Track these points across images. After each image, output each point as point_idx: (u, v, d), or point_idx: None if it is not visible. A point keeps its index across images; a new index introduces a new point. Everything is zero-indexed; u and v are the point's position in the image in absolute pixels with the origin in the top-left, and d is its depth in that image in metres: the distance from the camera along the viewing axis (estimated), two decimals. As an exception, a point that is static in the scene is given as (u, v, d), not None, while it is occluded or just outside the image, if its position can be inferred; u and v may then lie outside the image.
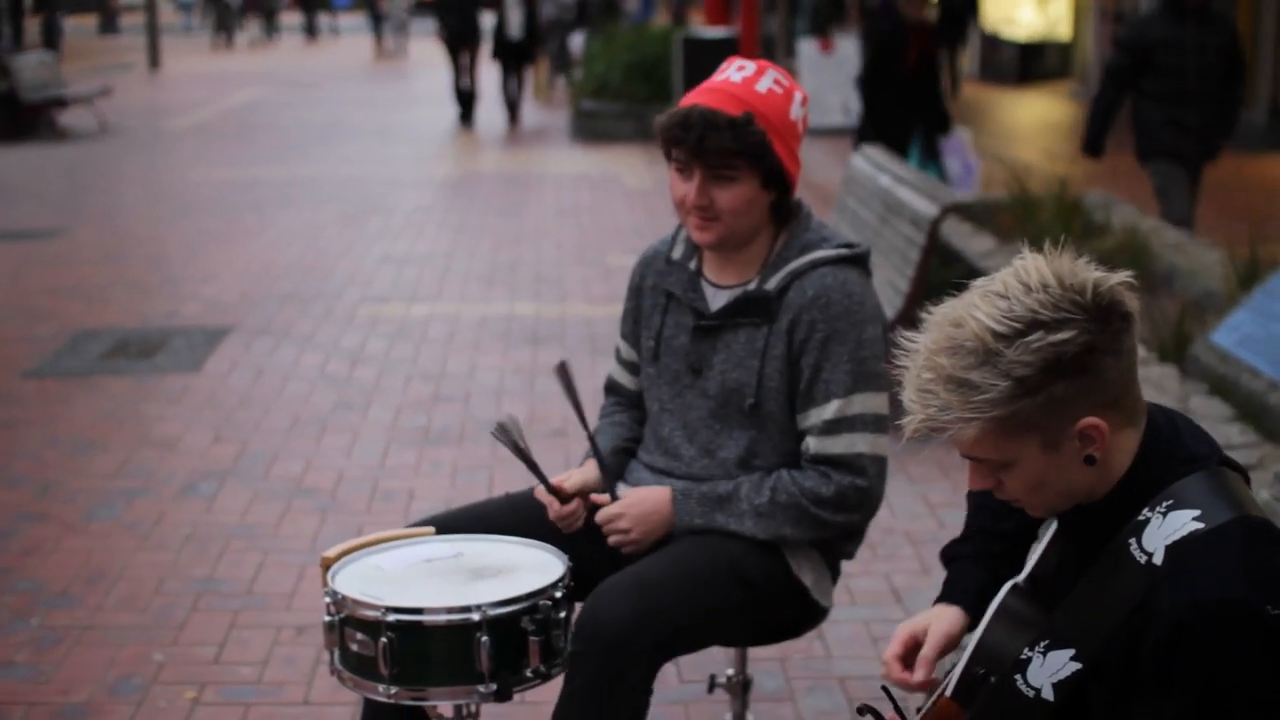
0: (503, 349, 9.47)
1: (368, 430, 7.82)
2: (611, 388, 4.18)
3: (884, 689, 2.53)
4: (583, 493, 3.83)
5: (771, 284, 3.73)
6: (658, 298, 3.93)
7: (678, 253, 3.93)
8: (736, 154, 3.59)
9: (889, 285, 8.17)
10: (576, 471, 3.91)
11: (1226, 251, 8.99)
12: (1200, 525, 2.34)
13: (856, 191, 9.64)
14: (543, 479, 3.80)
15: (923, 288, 7.68)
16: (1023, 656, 2.47)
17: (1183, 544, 2.34)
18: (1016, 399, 2.31)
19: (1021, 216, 10.45)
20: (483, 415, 8.00)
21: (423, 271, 11.90)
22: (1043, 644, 2.45)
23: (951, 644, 2.86)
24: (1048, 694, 2.44)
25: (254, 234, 13.55)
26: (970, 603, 2.92)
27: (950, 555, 3.07)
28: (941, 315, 2.41)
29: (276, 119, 23.89)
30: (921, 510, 6.57)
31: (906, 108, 12.68)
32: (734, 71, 3.70)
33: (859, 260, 3.79)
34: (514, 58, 22.39)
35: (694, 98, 3.65)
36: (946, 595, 2.97)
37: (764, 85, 3.66)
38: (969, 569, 2.98)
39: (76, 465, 7.29)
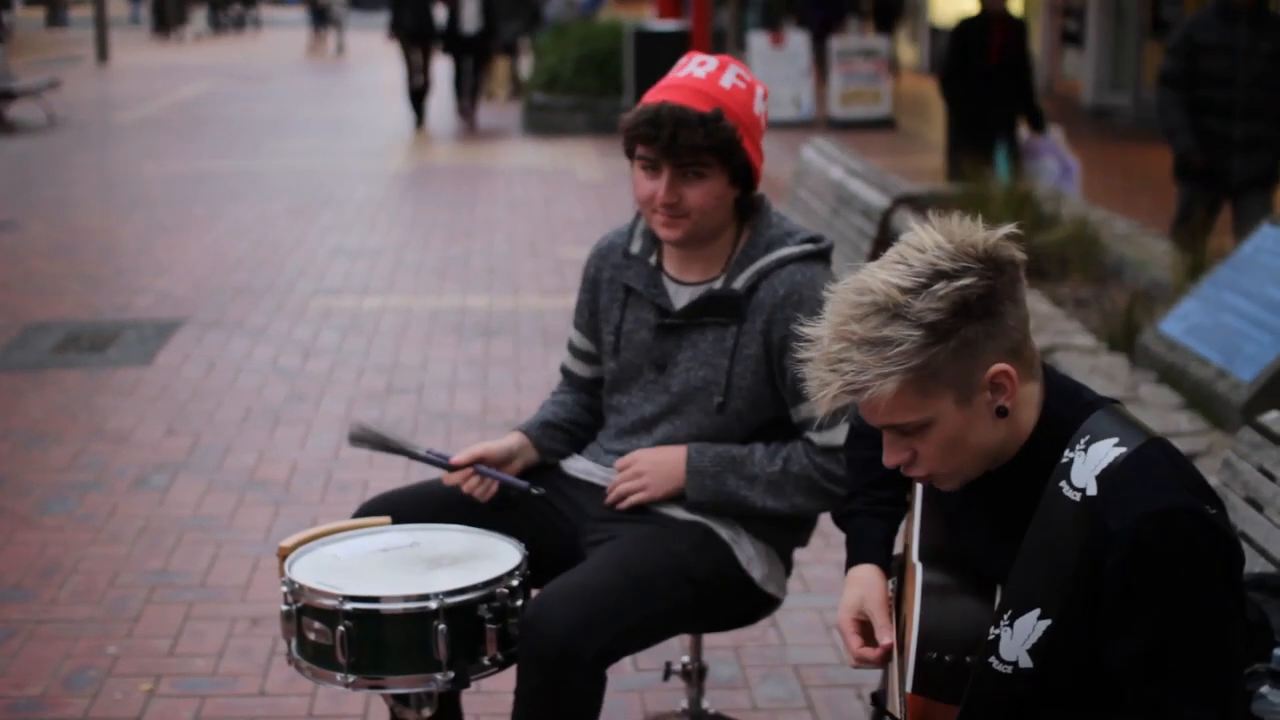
0: (455, 341, 9.48)
1: (321, 422, 7.81)
2: (564, 374, 4.17)
3: (873, 698, 2.57)
4: (482, 461, 3.82)
5: (739, 283, 3.73)
6: (616, 291, 3.92)
7: (636, 246, 3.92)
8: (707, 151, 3.58)
9: (840, 276, 8.21)
10: (477, 445, 3.89)
11: (1174, 243, 9.06)
12: (1123, 450, 2.43)
13: (808, 183, 9.69)
14: (424, 458, 3.81)
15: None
16: (990, 636, 2.50)
17: (1112, 470, 2.42)
18: (930, 346, 2.38)
19: (972, 209, 10.47)
20: (435, 407, 8.01)
21: (375, 264, 11.88)
22: (1006, 615, 2.48)
23: (891, 603, 2.90)
24: (1025, 663, 2.47)
25: (205, 227, 13.51)
26: (880, 556, 3.01)
27: (844, 515, 3.15)
28: (842, 290, 2.49)
29: (226, 112, 23.81)
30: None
31: (991, 105, 12.33)
32: (696, 67, 3.69)
33: (824, 255, 3.80)
34: (468, 53, 22.05)
35: (660, 94, 3.63)
36: (856, 556, 3.05)
37: (728, 81, 3.66)
38: (867, 524, 3.06)
39: (29, 459, 7.27)
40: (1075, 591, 2.42)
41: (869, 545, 3.04)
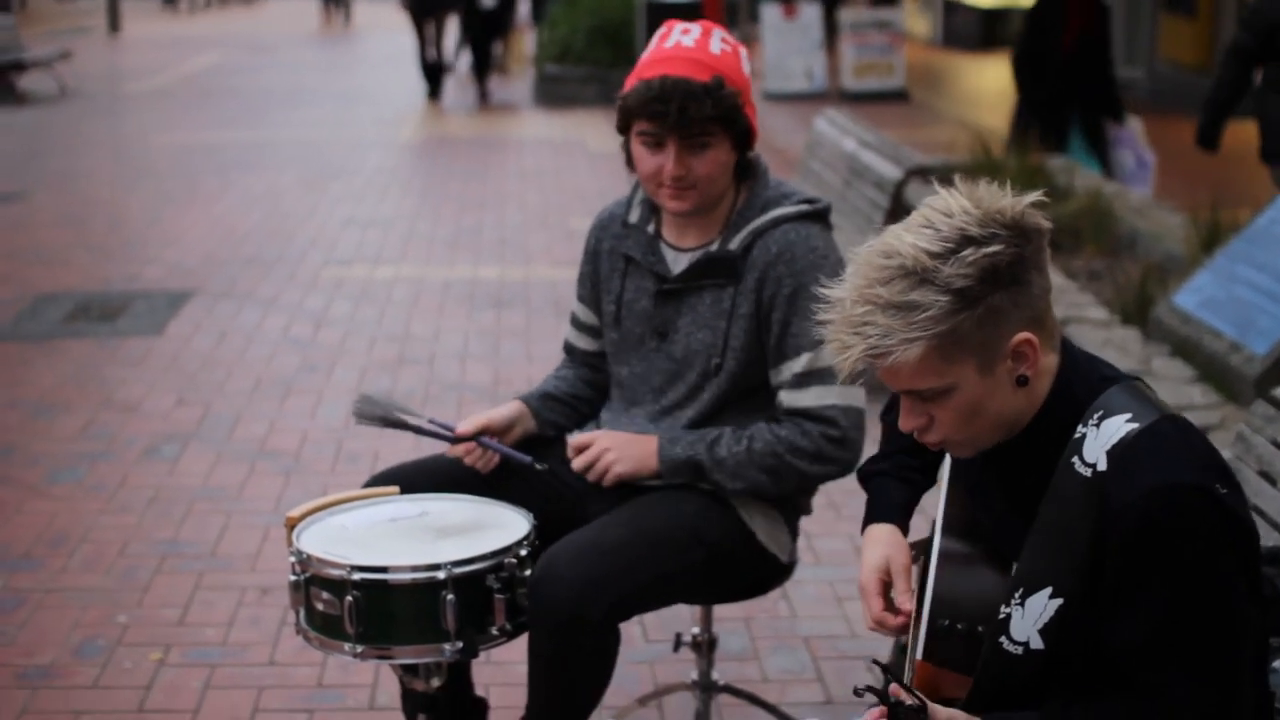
0: (467, 312, 9.46)
1: (331, 392, 7.80)
2: (567, 350, 4.16)
3: (875, 662, 2.52)
4: (486, 430, 3.81)
5: (734, 244, 3.72)
6: (616, 261, 3.91)
7: (634, 216, 3.90)
8: (713, 120, 3.57)
9: (852, 248, 8.17)
10: (480, 415, 3.87)
11: (1188, 215, 9.02)
12: (1135, 425, 2.40)
13: (821, 155, 9.65)
14: (428, 431, 3.79)
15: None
16: (1000, 615, 2.47)
17: (1122, 445, 2.39)
18: (958, 312, 2.35)
19: (984, 180, 10.44)
20: (447, 378, 8.00)
21: (386, 235, 11.87)
22: (1018, 594, 2.45)
23: (910, 564, 2.89)
24: (1037, 644, 2.44)
25: (216, 197, 13.49)
26: (899, 516, 2.99)
27: (867, 474, 3.12)
28: (867, 253, 2.44)
29: (237, 83, 23.78)
30: (885, 472, 6.58)
31: (1065, 92, 11.67)
32: (682, 36, 3.66)
33: (820, 215, 3.78)
34: (486, 28, 21.64)
35: (656, 68, 3.60)
36: (875, 515, 3.02)
37: (716, 46, 3.64)
38: (888, 485, 3.03)
39: (39, 428, 7.26)
40: (1086, 569, 2.39)
41: (889, 505, 3.01)
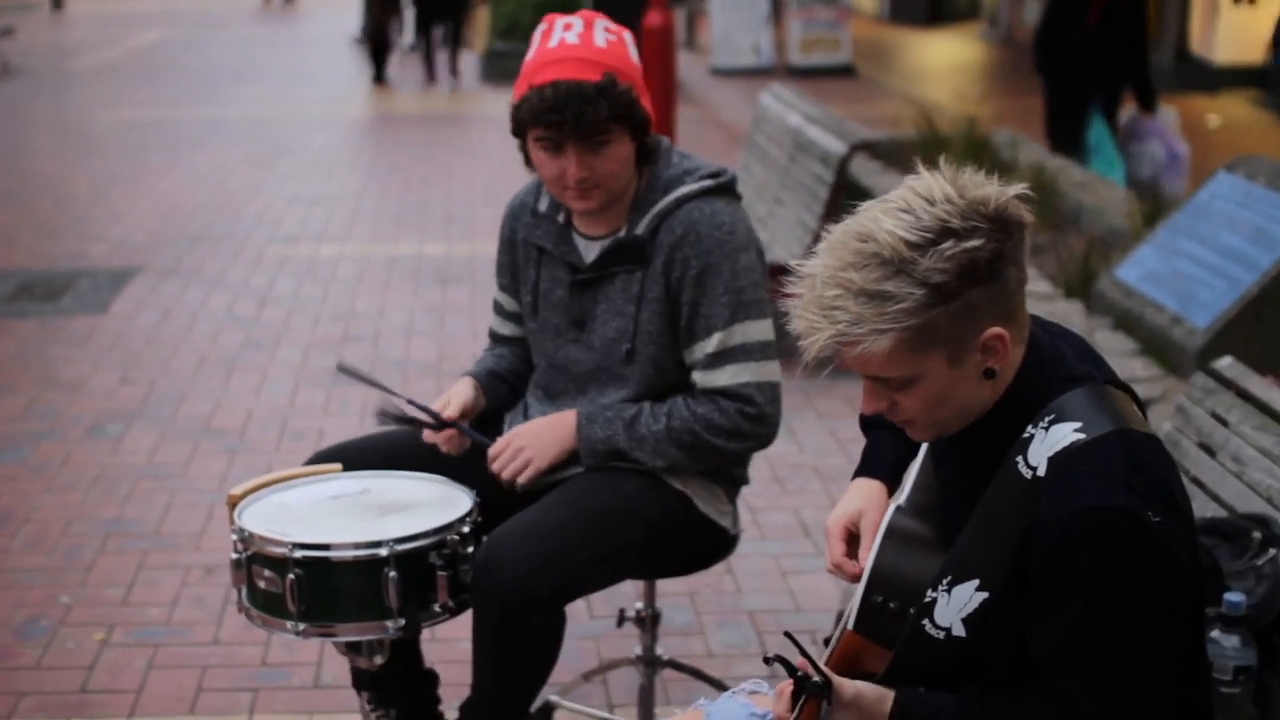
0: (412, 289, 9.44)
1: (276, 370, 7.78)
2: (493, 338, 4.14)
3: (787, 634, 2.52)
4: (465, 415, 3.80)
5: (641, 228, 3.69)
6: (530, 251, 3.88)
7: (544, 204, 3.87)
8: (611, 119, 3.53)
9: (798, 223, 8.20)
10: (455, 398, 3.84)
11: (1131, 190, 9.07)
12: (1082, 436, 2.36)
13: (766, 130, 9.65)
14: (411, 415, 3.78)
15: (831, 226, 7.69)
16: (927, 599, 2.46)
17: (1064, 455, 2.35)
18: (931, 307, 2.30)
19: (930, 155, 10.45)
20: (392, 354, 7.98)
21: (332, 212, 11.83)
22: (946, 580, 2.44)
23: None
24: (958, 631, 2.42)
25: (162, 175, 13.42)
26: (889, 475, 2.93)
27: (869, 424, 3.06)
28: (843, 233, 2.38)
29: (183, 59, 23.65)
30: (830, 446, 6.61)
31: (1086, 74, 10.65)
32: (564, 32, 3.60)
33: (724, 189, 3.74)
34: (439, 16, 20.87)
35: (546, 72, 3.54)
36: (866, 468, 2.97)
37: (601, 39, 3.59)
38: (888, 440, 2.96)
39: (-19, 408, 7.23)
40: (1014, 570, 2.37)
41: (882, 461, 2.96)
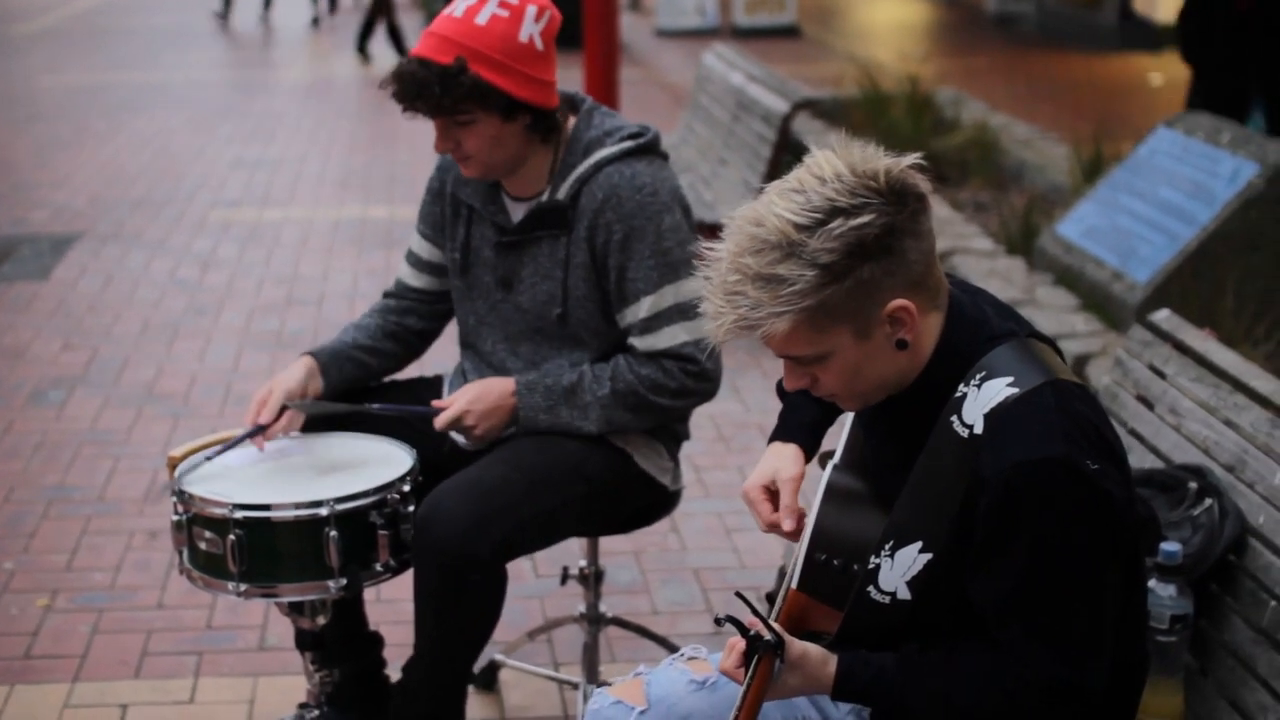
0: (356, 252, 9.41)
1: (220, 335, 7.75)
2: (397, 290, 4.06)
3: (738, 594, 2.53)
4: (289, 399, 3.71)
5: (562, 193, 3.67)
6: (459, 208, 3.86)
7: None
8: (461, 101, 3.50)
9: (742, 182, 8.21)
10: (287, 380, 3.75)
11: (1073, 147, 9.10)
12: (1015, 390, 2.38)
13: (709, 90, 9.66)
14: (238, 440, 3.70)
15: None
16: (870, 565, 2.48)
17: (999, 410, 2.37)
18: (824, 286, 2.32)
19: (873, 113, 10.51)
20: (336, 318, 7.95)
21: (275, 176, 11.77)
22: (888, 546, 2.47)
23: (800, 481, 2.87)
24: (904, 594, 2.45)
25: (104, 140, 13.33)
26: (805, 438, 2.96)
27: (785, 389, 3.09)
28: (741, 218, 2.40)
29: (126, 23, 23.47)
30: (774, 405, 6.56)
31: (1241, 63, 9.14)
32: (459, 5, 3.55)
33: (645, 149, 3.72)
34: None
35: (420, 45, 3.53)
36: (782, 432, 3.00)
37: (485, 16, 3.51)
38: (804, 403, 2.99)
39: (-78, 375, 7.18)
40: (956, 528, 2.40)
41: (797, 425, 2.99)
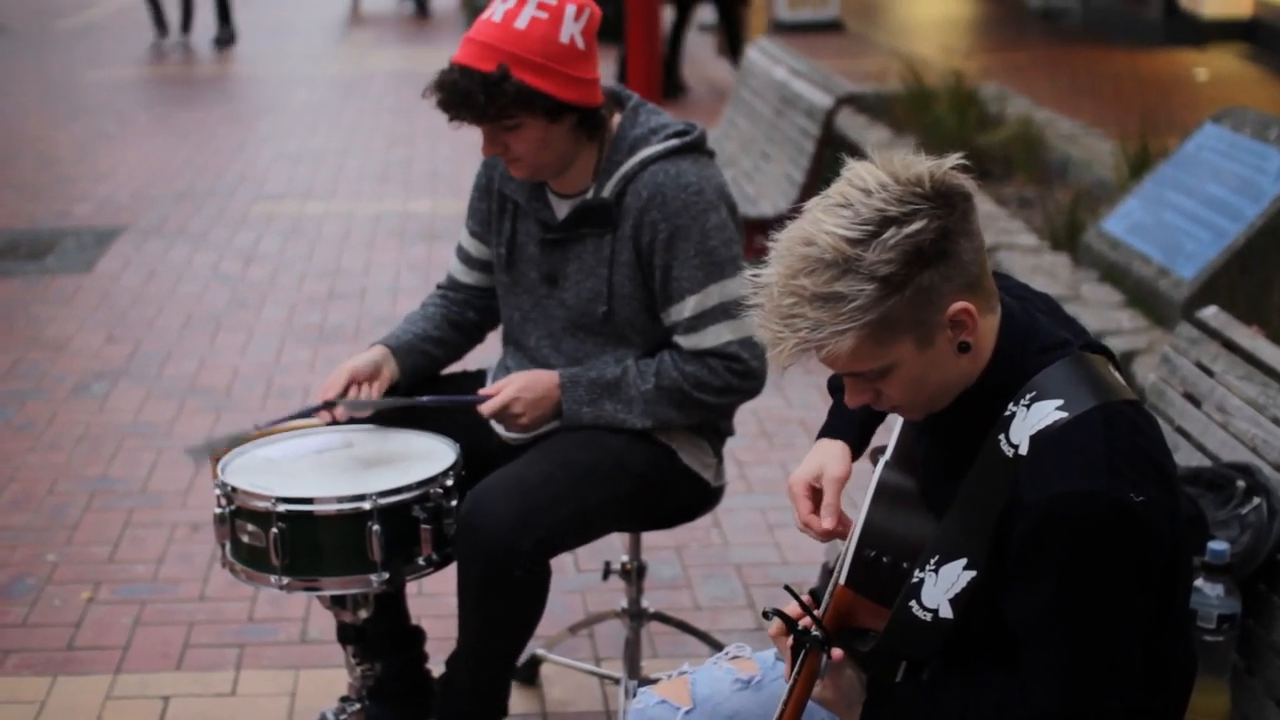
0: (398, 246, 9.42)
1: (262, 328, 7.76)
2: (450, 285, 4.07)
3: (786, 588, 2.52)
4: (353, 381, 3.73)
5: (607, 191, 3.66)
6: (505, 203, 3.85)
7: None
8: (506, 108, 3.49)
9: (784, 177, 8.19)
10: (355, 362, 3.78)
11: (1118, 142, 9.05)
12: (1064, 414, 2.34)
13: (752, 84, 9.64)
14: (300, 414, 3.78)
15: (817, 179, 7.69)
16: (914, 580, 2.45)
17: (1045, 435, 2.34)
18: (886, 299, 2.28)
19: (917, 108, 10.46)
20: (378, 312, 7.96)
21: (316, 169, 11.78)
22: (933, 560, 2.43)
23: (846, 481, 2.84)
24: (946, 612, 2.41)
25: (147, 134, 13.37)
26: (851, 433, 2.91)
27: (836, 385, 3.03)
28: (788, 239, 2.35)
29: (168, 18, 23.48)
30: (817, 400, 6.61)
31: None
32: (496, 8, 3.53)
33: (691, 147, 3.70)
34: None
35: (460, 51, 3.51)
36: (830, 429, 2.96)
37: (524, 20, 3.50)
38: None
39: (-34, 367, 7.21)
40: (994, 548, 2.37)
41: (846, 421, 2.95)
